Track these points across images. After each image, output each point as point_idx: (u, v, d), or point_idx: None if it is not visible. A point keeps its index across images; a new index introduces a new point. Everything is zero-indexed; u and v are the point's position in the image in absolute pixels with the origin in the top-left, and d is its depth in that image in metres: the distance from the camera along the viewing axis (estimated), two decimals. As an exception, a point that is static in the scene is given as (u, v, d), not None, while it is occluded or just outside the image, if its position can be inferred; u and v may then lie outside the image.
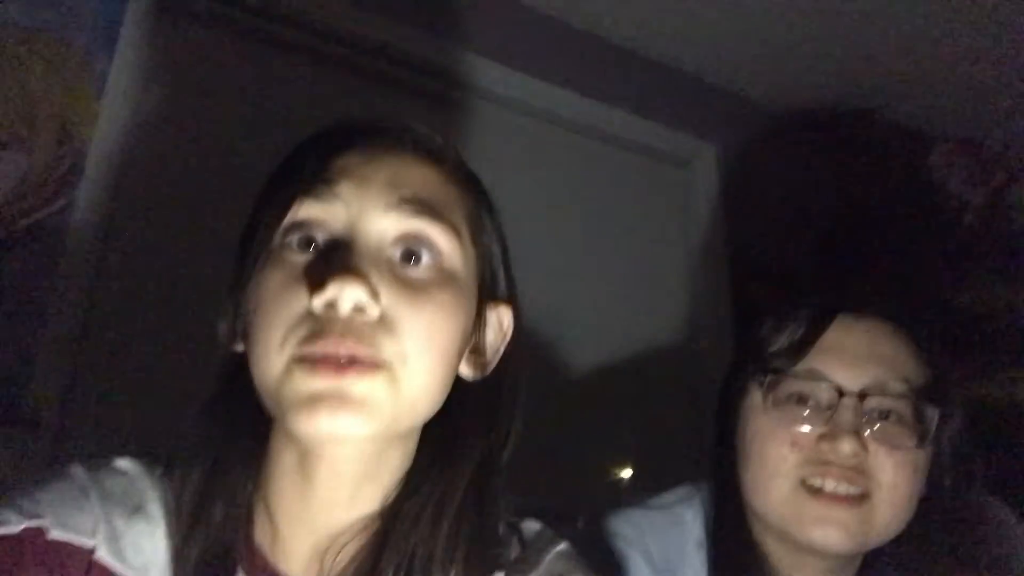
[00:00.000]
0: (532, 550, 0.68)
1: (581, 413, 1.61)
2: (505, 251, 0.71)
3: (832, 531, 0.77)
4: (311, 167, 0.62)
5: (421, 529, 0.64)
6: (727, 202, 1.95)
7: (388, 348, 0.58)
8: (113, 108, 1.29)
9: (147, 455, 0.69)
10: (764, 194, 1.95)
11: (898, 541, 0.84)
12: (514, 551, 0.68)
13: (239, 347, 0.65)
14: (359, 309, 0.57)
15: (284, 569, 0.64)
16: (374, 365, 0.58)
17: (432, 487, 0.65)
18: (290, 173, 0.64)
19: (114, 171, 1.28)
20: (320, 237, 0.61)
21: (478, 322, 0.67)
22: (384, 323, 0.58)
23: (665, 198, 1.96)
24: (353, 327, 0.57)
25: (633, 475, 1.65)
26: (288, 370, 0.58)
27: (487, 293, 0.68)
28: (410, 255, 0.62)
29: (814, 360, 0.82)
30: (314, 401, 0.56)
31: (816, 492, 0.79)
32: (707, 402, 0.96)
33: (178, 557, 0.63)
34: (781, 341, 0.85)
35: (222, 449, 0.66)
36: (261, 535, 0.66)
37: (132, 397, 1.19)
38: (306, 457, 0.63)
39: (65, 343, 1.18)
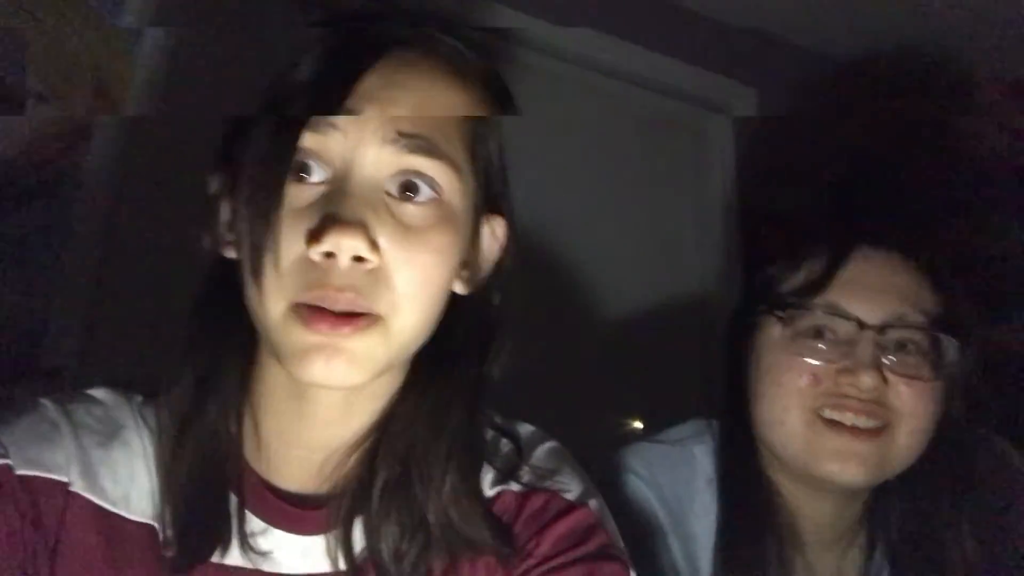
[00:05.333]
0: (524, 447, 0.70)
1: (593, 358, 1.61)
2: (503, 162, 0.69)
3: (851, 465, 0.78)
4: (307, 89, 0.59)
5: (417, 431, 0.64)
6: (759, 151, 1.91)
7: (384, 297, 0.58)
8: (146, 62, 1.30)
9: (127, 384, 0.68)
10: (795, 139, 1.91)
11: (904, 475, 0.84)
12: (505, 448, 0.69)
13: (229, 253, 0.63)
14: (358, 259, 0.56)
15: (281, 486, 0.65)
16: (369, 319, 0.57)
17: (427, 395, 0.65)
18: (287, 94, 0.60)
19: (126, 125, 1.28)
20: (315, 169, 0.59)
21: (473, 238, 0.66)
22: (381, 271, 0.58)
23: (696, 148, 1.93)
24: (351, 277, 0.56)
25: (644, 427, 1.66)
26: (285, 317, 0.57)
27: (482, 207, 0.66)
28: (407, 188, 0.60)
29: (832, 294, 0.82)
30: (309, 352, 0.57)
31: (834, 425, 0.79)
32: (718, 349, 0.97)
33: (164, 480, 0.62)
34: (799, 276, 0.85)
35: (210, 361, 0.64)
36: (252, 453, 0.65)
37: (149, 345, 1.20)
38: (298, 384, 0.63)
39: (82, 293, 1.20)
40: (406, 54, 0.62)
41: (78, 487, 0.60)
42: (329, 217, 0.56)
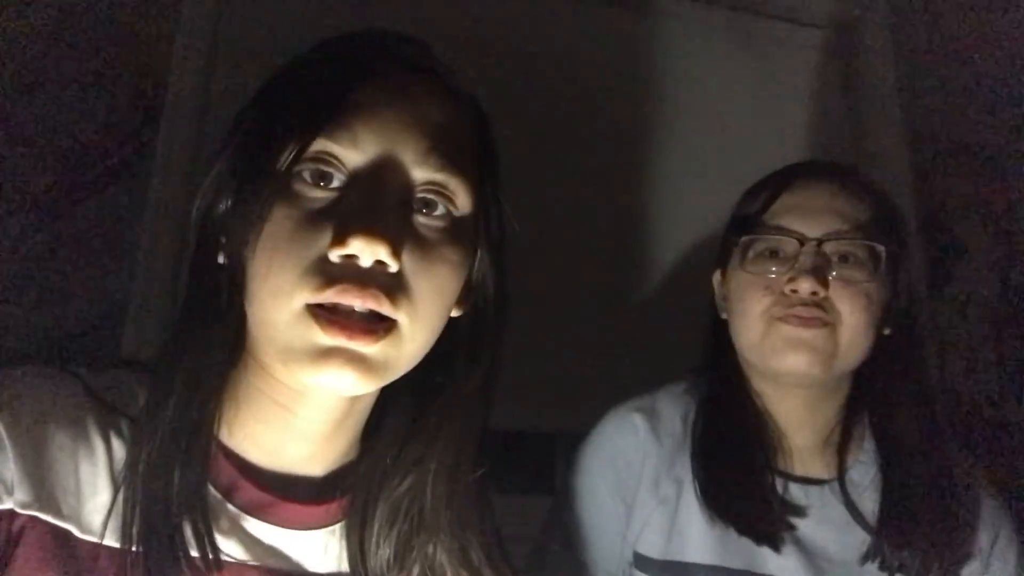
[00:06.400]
0: None
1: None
2: (499, 182, 0.71)
3: (802, 353, 0.92)
4: (327, 98, 0.60)
5: (405, 462, 0.69)
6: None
7: (401, 304, 0.59)
8: (188, 37, 1.29)
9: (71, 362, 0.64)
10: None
11: (871, 381, 0.99)
12: None
13: (220, 259, 0.63)
14: (379, 263, 0.57)
15: (271, 469, 0.66)
16: (385, 327, 0.59)
17: (411, 422, 0.69)
18: (303, 96, 0.61)
19: (195, 103, 1.28)
20: (336, 175, 0.59)
21: (473, 259, 0.68)
22: (400, 278, 0.59)
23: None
24: (372, 277, 0.57)
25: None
26: (299, 319, 0.57)
27: (484, 229, 0.68)
28: (427, 202, 0.62)
29: (781, 219, 0.96)
30: (322, 355, 0.57)
31: (785, 320, 0.93)
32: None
33: (127, 506, 0.59)
34: (751, 207, 1.00)
35: (195, 368, 0.62)
36: (221, 473, 0.64)
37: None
38: (288, 392, 0.64)
39: (160, 279, 1.21)
40: (403, 69, 0.64)
41: (29, 508, 0.56)
42: (354, 221, 0.56)
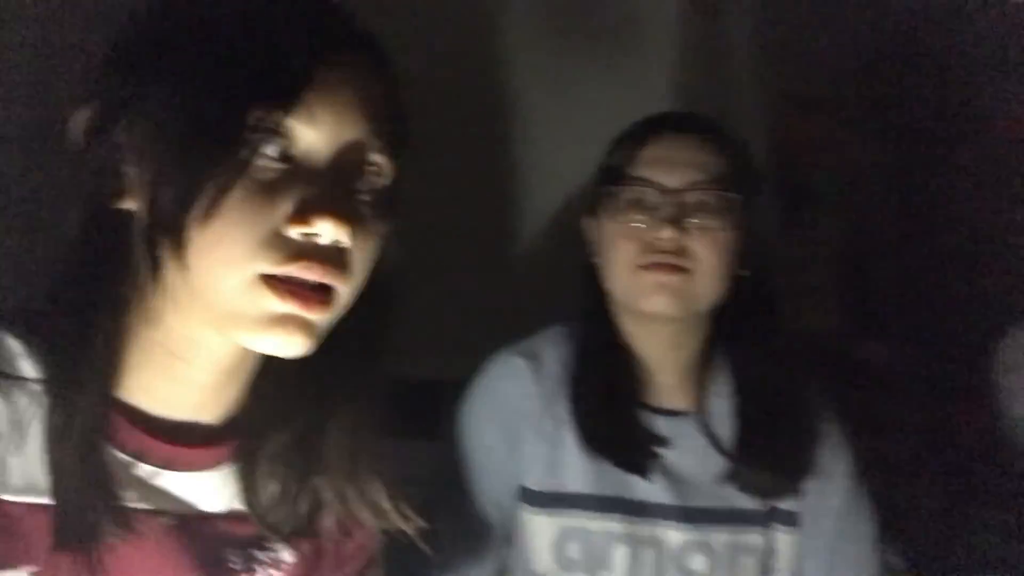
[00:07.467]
0: None
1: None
2: (407, 149, 0.72)
3: (663, 296, 0.99)
4: (290, 74, 0.59)
5: (293, 406, 0.72)
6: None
7: (347, 276, 0.62)
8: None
9: None
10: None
11: (732, 320, 1.07)
12: None
13: (127, 205, 0.62)
14: (335, 241, 0.60)
15: (163, 416, 0.67)
16: (332, 294, 0.62)
17: (300, 368, 0.69)
18: (258, 65, 0.59)
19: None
20: (287, 149, 0.60)
21: None
22: (344, 253, 0.62)
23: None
24: (326, 253, 0.60)
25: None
26: (251, 287, 0.59)
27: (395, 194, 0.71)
28: (364, 178, 0.64)
29: (643, 170, 1.02)
30: (274, 322, 0.60)
31: (650, 266, 1.00)
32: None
33: (46, 467, 0.60)
34: (616, 159, 1.06)
35: (86, 315, 0.61)
36: (116, 424, 0.65)
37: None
38: (183, 342, 0.65)
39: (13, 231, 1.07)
40: (351, 47, 0.64)
41: None
42: (318, 202, 0.59)
